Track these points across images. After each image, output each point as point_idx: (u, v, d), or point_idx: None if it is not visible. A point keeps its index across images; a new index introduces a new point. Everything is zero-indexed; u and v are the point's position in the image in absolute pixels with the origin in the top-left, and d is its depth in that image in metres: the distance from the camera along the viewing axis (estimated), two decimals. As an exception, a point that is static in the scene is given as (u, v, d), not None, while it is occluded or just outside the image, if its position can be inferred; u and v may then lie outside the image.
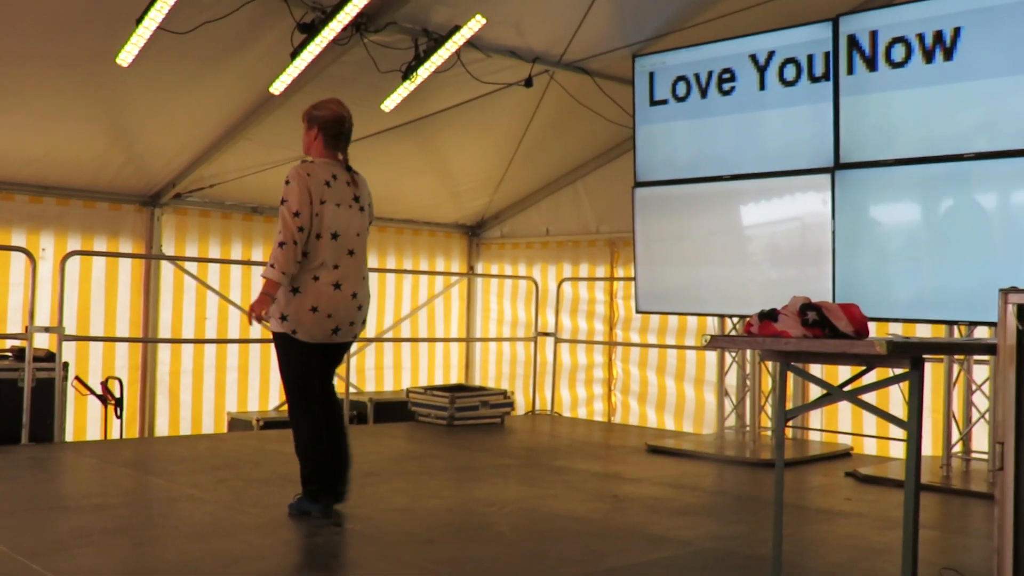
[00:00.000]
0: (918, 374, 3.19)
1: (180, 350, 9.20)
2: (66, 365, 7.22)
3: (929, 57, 6.18)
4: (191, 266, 9.13)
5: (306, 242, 4.51)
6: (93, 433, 8.44)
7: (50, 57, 6.85)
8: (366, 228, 4.77)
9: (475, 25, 7.28)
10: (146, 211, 9.10)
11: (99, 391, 8.39)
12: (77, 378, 8.13)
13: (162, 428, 9.05)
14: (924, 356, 3.24)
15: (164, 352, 9.12)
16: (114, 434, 8.33)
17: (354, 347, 9.06)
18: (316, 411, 4.67)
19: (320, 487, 4.62)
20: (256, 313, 4.52)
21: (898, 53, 6.31)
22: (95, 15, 6.51)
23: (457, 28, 7.29)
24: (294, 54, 6.99)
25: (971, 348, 3.99)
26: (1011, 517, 3.28)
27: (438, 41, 7.36)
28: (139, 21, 6.35)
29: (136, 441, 8.20)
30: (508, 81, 8.13)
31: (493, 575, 3.85)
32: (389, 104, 7.88)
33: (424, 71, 7.48)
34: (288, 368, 4.66)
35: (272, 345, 4.75)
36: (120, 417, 8.41)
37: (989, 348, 3.57)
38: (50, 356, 7.05)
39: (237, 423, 8.73)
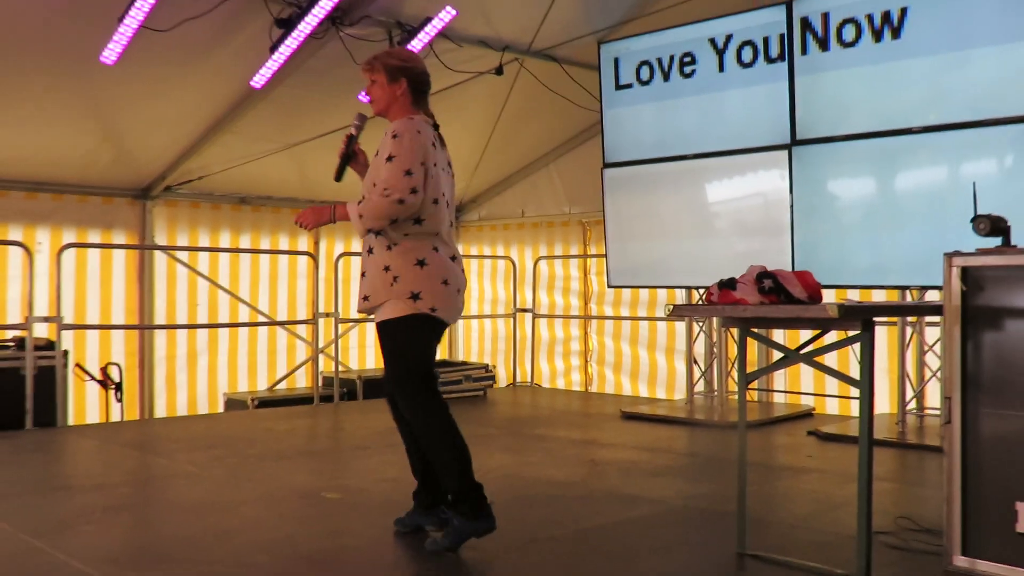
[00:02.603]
0: (869, 335, 3.22)
1: (175, 335, 9.19)
2: (66, 353, 7.18)
3: (878, 36, 6.20)
4: (182, 255, 9.09)
5: (421, 207, 3.68)
6: (94, 417, 8.44)
7: (36, 57, 6.78)
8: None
9: (446, 16, 7.25)
10: (138, 204, 9.06)
11: (99, 376, 8.37)
12: (77, 365, 8.11)
13: (160, 410, 9.05)
14: (875, 319, 3.27)
15: (159, 337, 9.12)
16: (114, 417, 8.32)
17: (342, 328, 9.14)
18: (444, 402, 3.76)
19: (476, 497, 3.62)
20: (303, 221, 3.79)
21: (849, 33, 6.33)
22: (78, 15, 6.44)
23: (429, 19, 7.26)
24: (272, 49, 6.94)
25: (918, 309, 4.04)
26: (959, 468, 3.34)
27: (411, 32, 7.32)
28: (120, 20, 6.30)
29: (136, 423, 8.17)
30: (480, 70, 8.10)
31: (480, 538, 3.87)
32: (365, 96, 7.85)
33: (399, 62, 7.44)
34: (418, 356, 3.71)
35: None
36: (120, 400, 8.40)
37: (935, 309, 3.61)
38: (50, 345, 7.02)
39: (233, 403, 8.72)
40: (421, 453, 3.82)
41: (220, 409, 9.04)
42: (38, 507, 4.38)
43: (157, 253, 9.02)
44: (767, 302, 3.27)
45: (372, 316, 3.80)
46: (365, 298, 3.75)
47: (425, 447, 3.72)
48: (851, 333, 3.30)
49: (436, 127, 3.90)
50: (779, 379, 8.28)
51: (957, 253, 3.33)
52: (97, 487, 4.87)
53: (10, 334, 7.42)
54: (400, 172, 3.60)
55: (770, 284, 3.25)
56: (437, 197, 3.73)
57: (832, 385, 7.92)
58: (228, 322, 9.39)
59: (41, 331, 7.02)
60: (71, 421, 7.47)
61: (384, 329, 3.71)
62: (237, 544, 3.74)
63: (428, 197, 3.68)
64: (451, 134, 9.88)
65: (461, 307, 3.87)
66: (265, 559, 3.53)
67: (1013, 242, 3.34)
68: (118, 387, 8.41)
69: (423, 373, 3.70)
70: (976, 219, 3.29)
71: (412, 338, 3.69)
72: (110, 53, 6.57)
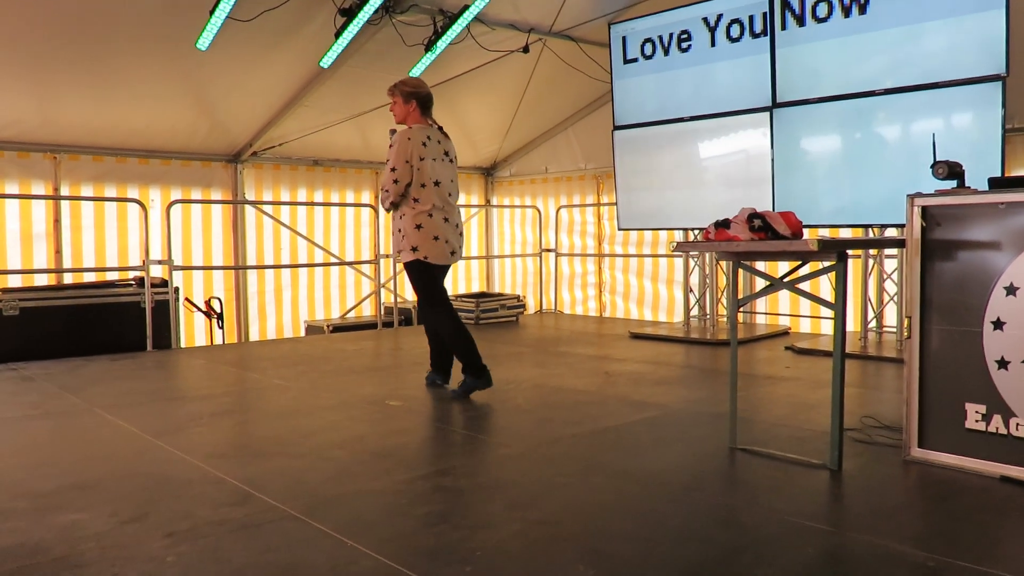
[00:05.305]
0: (843, 265, 3.11)
1: (264, 274, 9.20)
2: (177, 289, 7.21)
3: (847, 12, 5.96)
4: (268, 208, 9.06)
5: (410, 189, 4.54)
6: (200, 340, 8.49)
7: (143, 46, 6.69)
8: (456, 175, 4.78)
9: (481, 3, 7.05)
10: (231, 167, 9.00)
11: (204, 308, 8.41)
12: (186, 299, 8.14)
13: (254, 334, 9.09)
14: (847, 251, 3.16)
15: (252, 276, 9.13)
16: (217, 340, 8.38)
17: (399, 266, 9.11)
18: (451, 311, 4.68)
19: (477, 365, 4.62)
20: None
21: (822, 10, 6.09)
22: (175, 7, 6.33)
23: (467, 7, 7.07)
24: (337, 34, 6.80)
25: (884, 243, 3.90)
26: (917, 374, 3.24)
27: (452, 18, 7.14)
28: (211, 12, 6.18)
29: (234, 345, 8.21)
30: (509, 49, 7.91)
31: (513, 436, 3.85)
32: (415, 72, 7.69)
33: (442, 44, 7.28)
34: (423, 287, 4.65)
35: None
36: (221, 327, 8.44)
37: (899, 243, 3.48)
38: (164, 283, 7.04)
39: (312, 329, 8.75)
40: (434, 341, 4.93)
41: (302, 333, 9.07)
42: (158, 412, 4.41)
43: (247, 207, 9.00)
44: (756, 239, 3.17)
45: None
46: (399, 252, 4.67)
47: (445, 339, 4.70)
48: (826, 264, 3.19)
49: (441, 128, 4.72)
50: (760, 303, 8.17)
51: (919, 194, 3.19)
52: (204, 397, 4.90)
53: (131, 275, 7.46)
54: (388, 170, 4.57)
55: (759, 223, 3.14)
56: (425, 182, 4.54)
57: (805, 307, 7.80)
58: (307, 263, 9.38)
59: (156, 271, 7.04)
60: (182, 344, 7.52)
61: (406, 269, 4.68)
62: (317, 441, 3.74)
63: (417, 183, 4.53)
64: (485, 104, 9.84)
65: (455, 252, 4.70)
66: (340, 453, 3.53)
67: (966, 184, 3.20)
68: (219, 316, 8.45)
69: (429, 297, 4.66)
70: (935, 164, 3.15)
71: (416, 276, 4.64)
72: (203, 41, 6.46)
